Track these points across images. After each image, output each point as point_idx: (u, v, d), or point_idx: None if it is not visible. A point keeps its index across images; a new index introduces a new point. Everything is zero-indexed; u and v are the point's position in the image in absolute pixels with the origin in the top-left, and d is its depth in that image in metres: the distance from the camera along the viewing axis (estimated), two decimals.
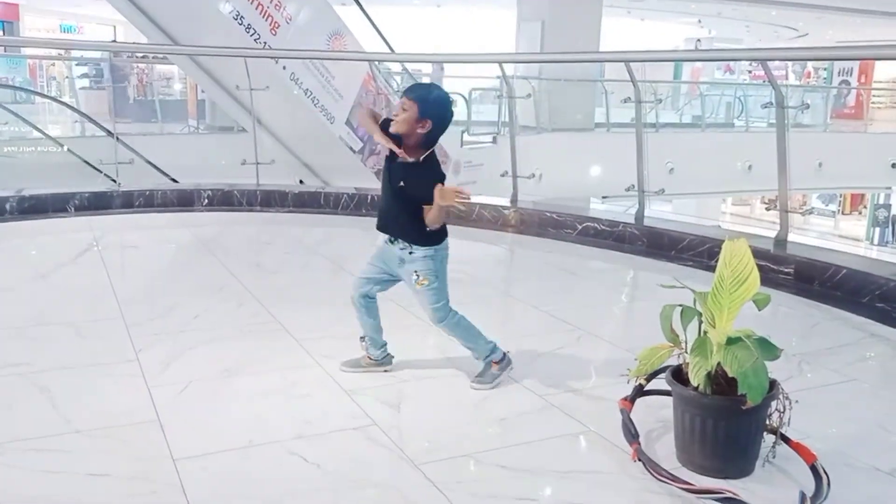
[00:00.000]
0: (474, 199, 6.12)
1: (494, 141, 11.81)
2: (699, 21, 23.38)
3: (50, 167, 8.60)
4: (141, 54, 12.43)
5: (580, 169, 12.22)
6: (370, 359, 2.83)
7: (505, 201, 5.96)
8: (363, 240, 5.67)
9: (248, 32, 7.28)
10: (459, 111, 13.39)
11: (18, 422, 2.34)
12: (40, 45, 14.89)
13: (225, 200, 6.11)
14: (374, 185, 7.80)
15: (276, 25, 7.55)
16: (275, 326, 3.34)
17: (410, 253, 2.63)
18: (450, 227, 5.94)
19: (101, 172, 6.91)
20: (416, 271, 2.64)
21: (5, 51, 15.89)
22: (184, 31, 7.47)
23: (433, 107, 2.53)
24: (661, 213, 5.82)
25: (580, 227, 5.37)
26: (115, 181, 6.22)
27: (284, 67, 7.63)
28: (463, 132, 11.74)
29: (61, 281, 4.25)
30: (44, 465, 2.08)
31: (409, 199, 2.59)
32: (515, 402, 2.61)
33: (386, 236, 2.69)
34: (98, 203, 5.73)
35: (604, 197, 10.69)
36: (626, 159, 5.98)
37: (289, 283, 4.23)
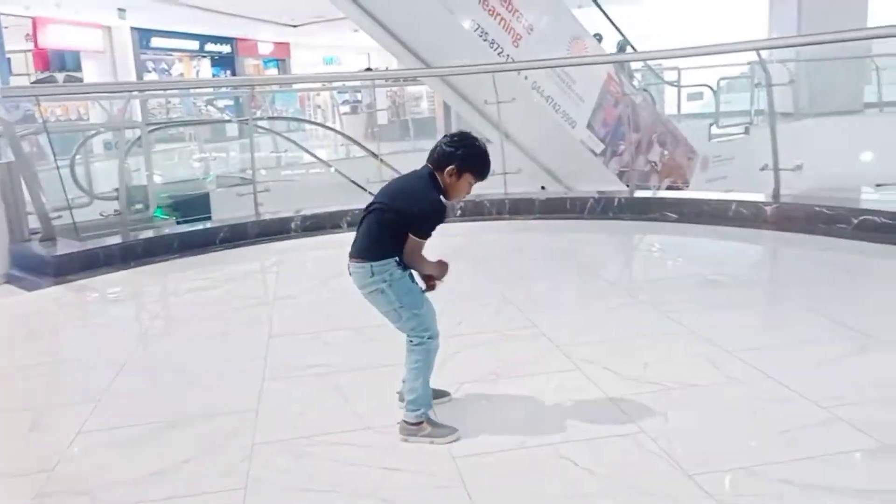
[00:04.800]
0: (728, 196, 5.80)
1: (746, 131, 11.12)
2: None
3: (321, 188, 9.57)
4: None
5: (848, 156, 11.06)
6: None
7: (763, 196, 5.58)
8: (610, 243, 5.64)
9: (492, 47, 7.55)
10: (707, 102, 12.79)
11: (322, 417, 2.65)
12: (311, 80, 16.60)
13: (476, 210, 6.40)
14: (617, 188, 7.72)
15: (518, 37, 7.76)
16: (534, 331, 3.44)
17: None
18: (704, 227, 5.70)
19: (365, 190, 7.56)
20: None
21: (280, 87, 17.97)
22: (433, 52, 7.92)
23: None
24: None
25: (856, 221, 4.87)
26: None
27: (526, 77, 7.81)
28: (711, 125, 11.19)
29: (342, 289, 4.70)
30: (345, 458, 2.34)
31: None
32: (796, 413, 2.44)
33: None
34: None
35: (878, 185, 9.58)
36: None
37: (542, 289, 4.33)
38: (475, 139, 2.48)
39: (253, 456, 2.38)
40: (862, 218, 4.87)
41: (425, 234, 2.39)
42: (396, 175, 7.68)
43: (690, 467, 2.15)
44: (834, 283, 4.02)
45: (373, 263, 2.39)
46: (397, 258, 2.41)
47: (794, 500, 1.97)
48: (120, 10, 19.23)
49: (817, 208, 5.13)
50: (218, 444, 2.50)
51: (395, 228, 2.39)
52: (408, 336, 2.47)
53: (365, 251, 2.42)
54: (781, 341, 3.21)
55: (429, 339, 2.44)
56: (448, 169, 2.41)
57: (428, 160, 2.47)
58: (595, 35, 9.67)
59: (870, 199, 7.70)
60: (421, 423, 2.41)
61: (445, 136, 2.51)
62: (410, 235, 2.38)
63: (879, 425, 2.31)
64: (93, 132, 8.87)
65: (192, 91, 13.91)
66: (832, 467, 2.11)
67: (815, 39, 6.78)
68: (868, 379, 2.75)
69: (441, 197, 2.42)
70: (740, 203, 5.51)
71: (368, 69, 21.04)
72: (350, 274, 2.48)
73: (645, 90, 11.04)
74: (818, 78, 12.20)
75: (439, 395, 2.67)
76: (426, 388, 2.44)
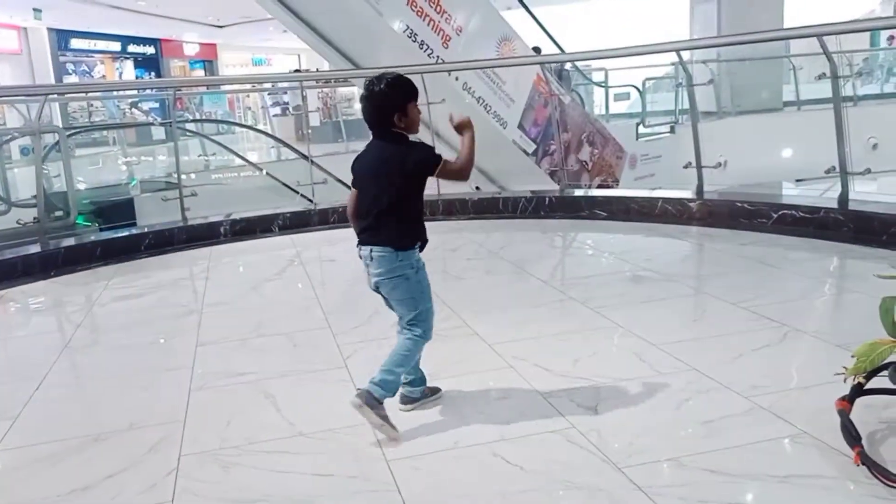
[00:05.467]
0: (654, 194, 5.95)
1: (672, 130, 11.43)
2: None
3: (252, 191, 9.41)
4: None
5: (769, 152, 11.50)
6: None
7: (688, 193, 5.75)
8: (542, 242, 5.71)
9: (422, 49, 7.56)
10: (634, 102, 13.10)
11: (251, 426, 2.60)
12: (238, 82, 16.29)
13: None
14: (549, 186, 7.83)
15: (448, 38, 7.79)
16: (466, 331, 3.46)
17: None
18: (632, 224, 5.84)
19: (297, 193, 7.48)
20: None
21: (208, 89, 17.56)
22: (363, 53, 7.88)
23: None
24: (867, 195, 5.33)
25: (776, 216, 5.06)
26: (311, 200, 6.69)
27: (457, 78, 7.85)
28: (638, 124, 11.46)
29: (273, 294, 4.66)
30: (276, 466, 2.30)
31: None
32: (720, 403, 2.52)
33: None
34: (298, 222, 6.20)
35: (797, 181, 9.99)
36: (820, 138, 5.56)
37: (475, 288, 4.36)
38: (381, 77, 2.47)
39: (180, 468, 2.32)
40: (781, 212, 5.06)
41: (437, 157, 2.46)
42: (328, 175, 7.55)
43: (620, 460, 2.19)
44: (754, 275, 4.17)
45: (399, 252, 2.45)
46: (419, 243, 2.51)
47: (719, 488, 2.03)
48: (35, 10, 18.51)
49: (739, 204, 5.31)
50: (143, 457, 2.42)
51: (411, 203, 2.46)
52: (408, 324, 2.51)
53: (395, 240, 2.45)
54: (705, 333, 3.31)
55: (423, 335, 2.52)
56: (395, 117, 2.43)
57: (375, 132, 2.49)
58: (534, 48, 9.79)
59: (788, 194, 8.03)
60: (382, 403, 2.40)
61: (362, 102, 2.52)
62: (437, 170, 2.44)
63: (800, 412, 2.40)
64: (7, 137, 8.50)
65: (114, 93, 13.47)
66: (756, 455, 2.18)
67: (732, 40, 7.03)
68: (788, 367, 2.86)
69: (411, 140, 2.49)
70: (666, 200, 5.66)
71: (297, 70, 20.82)
72: (371, 259, 2.48)
73: (574, 91, 11.24)
74: (739, 77, 12.63)
75: (434, 391, 2.71)
76: (400, 378, 2.48)
